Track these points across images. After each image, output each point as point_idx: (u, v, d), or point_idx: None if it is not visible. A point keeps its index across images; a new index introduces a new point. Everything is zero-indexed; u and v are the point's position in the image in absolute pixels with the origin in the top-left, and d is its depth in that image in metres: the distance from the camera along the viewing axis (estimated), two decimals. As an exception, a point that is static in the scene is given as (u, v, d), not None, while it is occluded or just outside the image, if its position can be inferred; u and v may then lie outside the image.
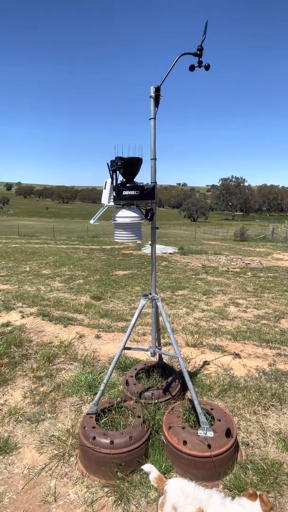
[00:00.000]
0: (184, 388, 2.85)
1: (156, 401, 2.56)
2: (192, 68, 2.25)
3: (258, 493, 1.56)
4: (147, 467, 1.84)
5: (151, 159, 2.34)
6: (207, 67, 2.23)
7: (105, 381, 2.39)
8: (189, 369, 3.41)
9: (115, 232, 2.36)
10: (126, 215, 2.28)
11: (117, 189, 2.21)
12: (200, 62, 2.24)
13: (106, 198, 2.27)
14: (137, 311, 2.46)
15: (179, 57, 2.21)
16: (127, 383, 2.81)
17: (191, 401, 2.40)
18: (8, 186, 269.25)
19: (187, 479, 1.79)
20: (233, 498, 1.65)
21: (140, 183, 2.30)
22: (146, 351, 2.78)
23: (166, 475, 2.08)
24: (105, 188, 2.28)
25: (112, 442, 2.06)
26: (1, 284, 7.27)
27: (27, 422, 2.61)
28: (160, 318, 2.79)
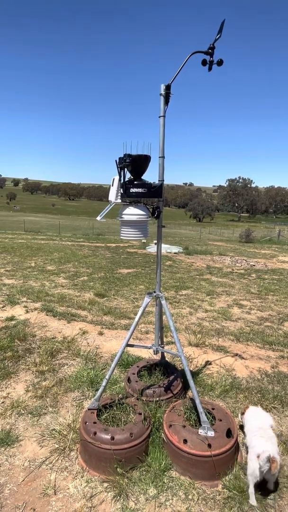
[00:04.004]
0: (186, 387, 2.85)
1: (158, 399, 2.57)
2: (204, 62, 2.23)
3: None
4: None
5: (159, 157, 2.34)
6: (219, 63, 2.22)
7: (107, 377, 2.41)
8: (191, 369, 3.41)
9: (122, 229, 2.37)
10: (133, 213, 2.28)
11: (125, 186, 2.21)
12: (211, 61, 2.24)
13: (113, 195, 2.27)
14: (141, 309, 2.46)
15: (191, 55, 2.20)
16: (129, 380, 2.81)
17: (192, 400, 2.40)
18: (15, 182, 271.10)
19: (187, 477, 1.81)
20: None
21: (153, 183, 2.30)
22: (149, 348, 2.79)
23: (165, 472, 2.09)
24: (112, 185, 2.28)
25: (112, 438, 2.07)
26: (6, 279, 7.32)
27: (29, 415, 2.63)
28: (164, 317, 2.79)
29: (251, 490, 1.92)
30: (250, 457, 1.97)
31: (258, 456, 1.90)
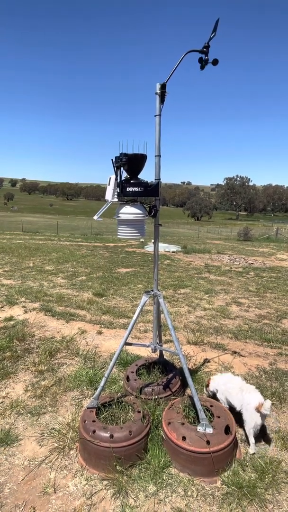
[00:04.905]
0: (184, 385, 2.87)
1: (156, 397, 2.58)
2: (202, 67, 2.24)
3: None
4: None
5: (155, 156, 2.35)
6: (214, 62, 2.22)
7: (106, 375, 2.41)
8: (189, 366, 3.43)
9: (119, 228, 2.37)
10: (129, 212, 2.28)
11: (121, 185, 2.22)
12: (206, 60, 2.24)
13: (110, 194, 2.28)
14: (139, 308, 2.47)
15: (186, 54, 2.20)
16: (127, 378, 2.82)
17: (191, 397, 2.41)
18: (13, 182, 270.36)
19: (186, 473, 1.83)
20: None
21: (150, 182, 2.30)
22: (147, 347, 2.80)
23: (164, 469, 2.10)
24: (109, 184, 2.28)
25: (112, 436, 2.08)
26: (5, 279, 7.32)
27: (28, 415, 2.64)
28: (162, 315, 2.80)
29: (252, 440, 2.24)
30: (249, 413, 2.27)
31: (256, 409, 2.22)
